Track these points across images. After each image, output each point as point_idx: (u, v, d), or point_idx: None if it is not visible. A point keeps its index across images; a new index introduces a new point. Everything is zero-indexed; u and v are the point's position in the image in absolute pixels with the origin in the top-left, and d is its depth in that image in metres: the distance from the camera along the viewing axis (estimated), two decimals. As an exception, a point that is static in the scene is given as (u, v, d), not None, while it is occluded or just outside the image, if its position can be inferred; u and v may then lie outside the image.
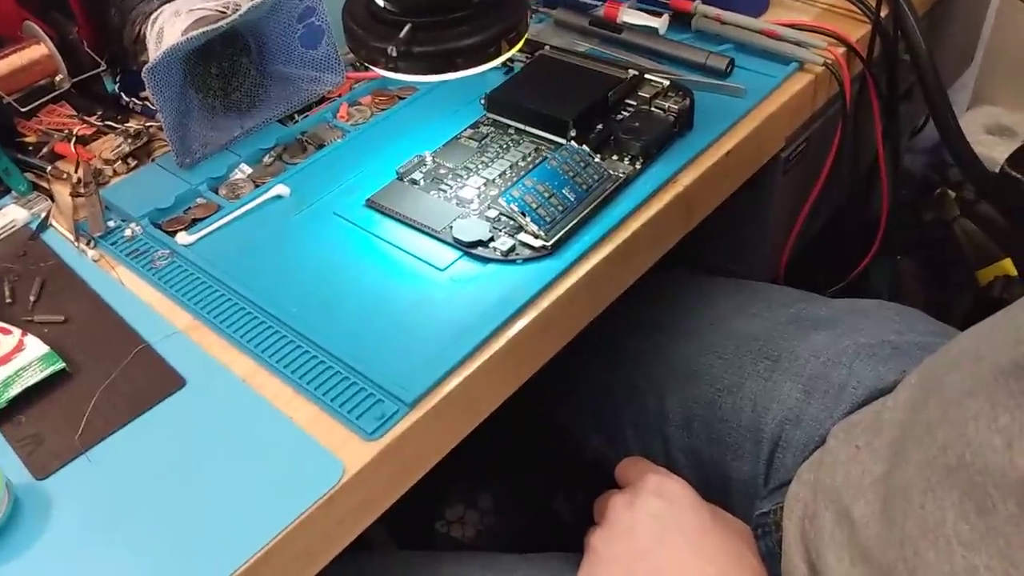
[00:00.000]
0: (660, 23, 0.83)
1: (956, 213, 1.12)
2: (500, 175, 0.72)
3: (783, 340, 0.75)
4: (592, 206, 0.68)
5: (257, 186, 0.76)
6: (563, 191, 0.68)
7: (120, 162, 0.80)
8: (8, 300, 0.68)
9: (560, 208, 0.67)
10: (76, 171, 0.77)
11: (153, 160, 0.80)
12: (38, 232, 0.75)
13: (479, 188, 0.71)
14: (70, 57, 0.82)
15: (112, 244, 0.72)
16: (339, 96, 0.85)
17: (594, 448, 0.85)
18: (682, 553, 0.63)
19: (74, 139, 0.81)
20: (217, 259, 0.69)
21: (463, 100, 0.81)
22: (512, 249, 0.66)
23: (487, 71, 0.67)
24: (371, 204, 0.72)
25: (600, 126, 0.74)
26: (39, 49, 0.81)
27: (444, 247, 0.67)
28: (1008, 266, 1.05)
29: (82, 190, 0.75)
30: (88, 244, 0.72)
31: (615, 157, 0.73)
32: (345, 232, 0.70)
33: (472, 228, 0.67)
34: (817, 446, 0.66)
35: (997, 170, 1.02)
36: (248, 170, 0.78)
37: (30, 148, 0.81)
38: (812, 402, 0.70)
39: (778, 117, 0.79)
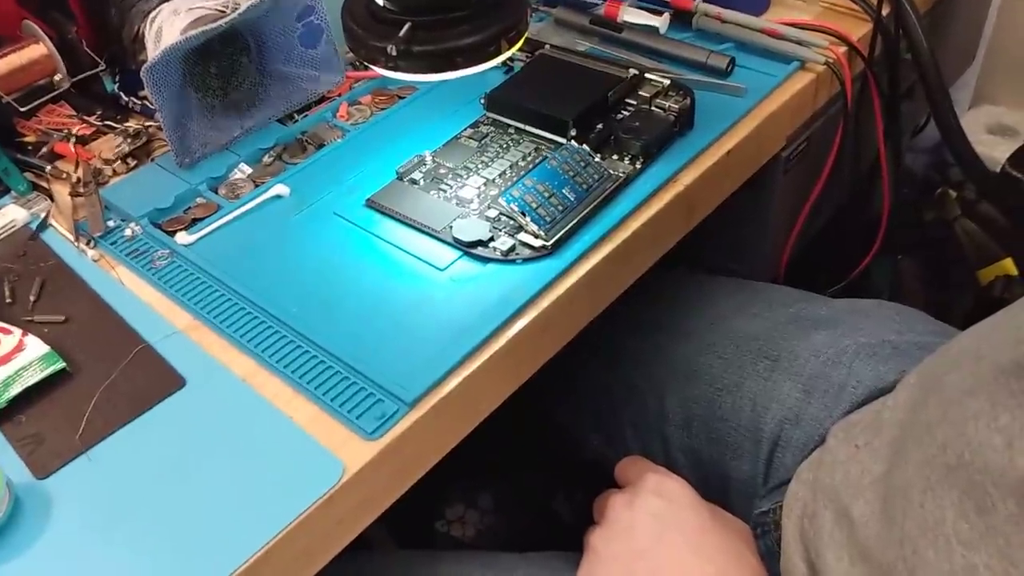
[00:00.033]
0: (661, 22, 0.83)
1: (957, 213, 1.12)
2: (500, 175, 0.72)
3: (783, 340, 0.75)
4: (592, 206, 0.68)
5: (257, 186, 0.76)
6: (563, 191, 0.68)
7: (120, 162, 0.80)
8: (8, 300, 0.68)
9: (560, 208, 0.67)
10: (76, 171, 0.77)
11: (153, 160, 0.80)
12: (38, 232, 0.75)
13: (479, 188, 0.71)
14: (69, 57, 0.82)
15: (112, 244, 0.72)
16: (339, 95, 0.85)
17: (594, 448, 0.85)
18: (681, 552, 0.64)
19: (73, 139, 0.81)
20: (217, 259, 0.69)
21: (463, 100, 0.81)
22: (512, 249, 0.66)
23: (487, 70, 0.67)
24: (371, 204, 0.72)
25: (600, 125, 0.74)
26: (38, 49, 0.81)
27: (444, 247, 0.67)
28: (1009, 266, 1.05)
29: (82, 190, 0.75)
30: (88, 244, 0.72)
31: (615, 156, 0.73)
32: (345, 232, 0.70)
33: (472, 228, 0.67)
34: (817, 445, 0.66)
35: (998, 170, 1.02)
36: (248, 170, 0.78)
37: (29, 148, 0.81)
38: (812, 401, 0.70)
39: (779, 116, 0.79)
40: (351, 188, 0.74)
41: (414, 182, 0.73)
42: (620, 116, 0.75)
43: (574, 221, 0.67)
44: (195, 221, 0.73)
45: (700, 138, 0.75)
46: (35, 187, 0.78)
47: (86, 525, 0.53)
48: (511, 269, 0.65)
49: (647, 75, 0.78)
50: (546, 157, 0.71)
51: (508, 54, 0.67)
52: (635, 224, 0.68)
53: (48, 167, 0.79)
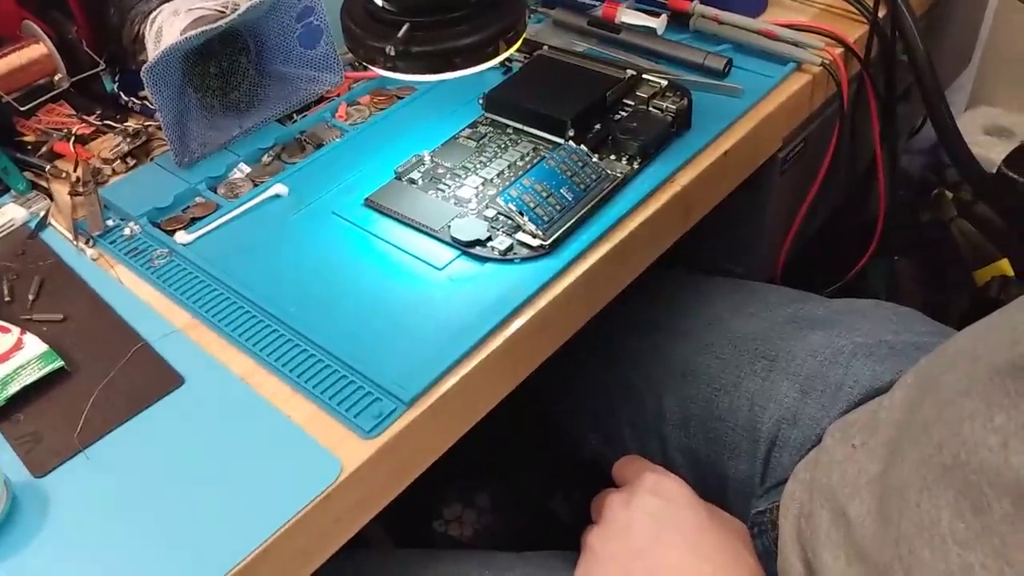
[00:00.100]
0: (658, 23, 0.83)
1: (953, 213, 1.12)
2: (498, 175, 0.72)
3: (780, 340, 0.75)
4: (590, 206, 0.68)
5: (256, 185, 0.76)
6: (561, 191, 0.68)
7: (119, 161, 0.80)
8: (7, 299, 0.68)
9: (558, 208, 0.67)
10: (75, 170, 0.78)
11: (152, 159, 0.80)
12: (37, 231, 0.75)
13: (477, 188, 0.71)
14: (69, 56, 0.83)
15: (111, 243, 0.72)
16: (338, 96, 0.85)
17: (592, 447, 0.85)
18: (679, 552, 0.64)
19: (73, 138, 0.81)
20: (216, 258, 0.69)
21: (461, 100, 0.81)
22: (510, 248, 0.66)
23: (485, 71, 0.67)
24: (369, 203, 0.72)
25: (598, 126, 0.74)
26: (38, 48, 0.81)
27: (442, 246, 0.67)
28: (1005, 266, 1.06)
29: (81, 189, 0.75)
30: (87, 243, 0.72)
31: (613, 157, 0.73)
32: (343, 231, 0.70)
33: (470, 227, 0.67)
34: (814, 445, 0.66)
35: (994, 171, 1.02)
36: (247, 169, 0.78)
37: (29, 147, 0.81)
38: (809, 401, 0.70)
39: (776, 117, 0.80)
40: (350, 188, 0.74)
41: (412, 182, 0.73)
42: (618, 116, 0.75)
43: (572, 221, 0.67)
44: (194, 220, 0.73)
45: (697, 139, 0.75)
46: (34, 186, 0.79)
47: (84, 523, 0.53)
48: (509, 269, 0.65)
49: (645, 76, 0.78)
50: (544, 157, 0.71)
51: (506, 55, 0.67)
52: (633, 224, 0.69)
53: (47, 166, 0.79)
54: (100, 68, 0.84)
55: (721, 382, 0.75)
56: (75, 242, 0.73)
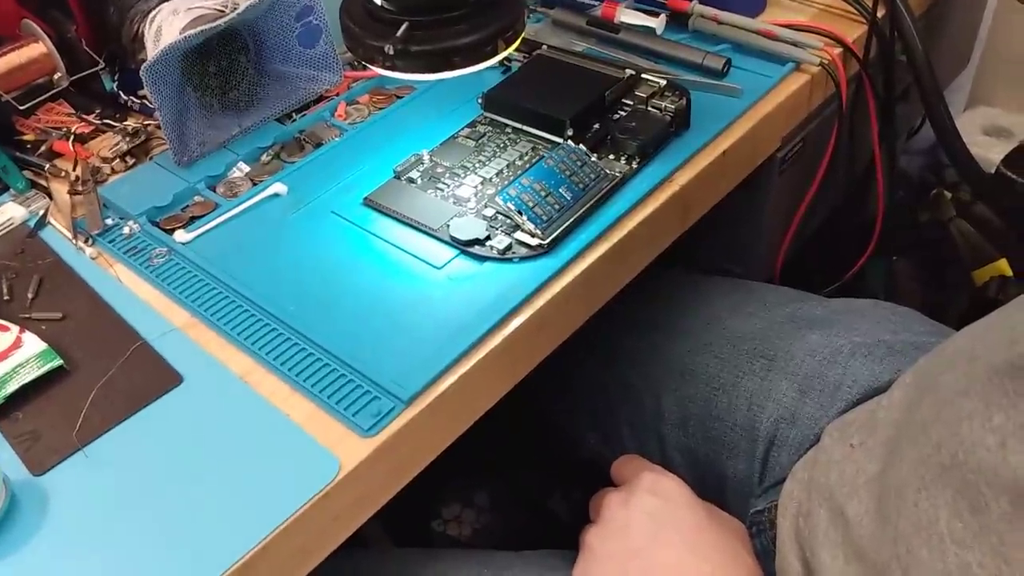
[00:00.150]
0: (657, 23, 0.83)
1: (952, 214, 1.12)
2: (497, 174, 0.72)
3: (779, 339, 0.75)
4: (588, 205, 0.68)
5: (255, 184, 0.76)
6: (560, 190, 0.68)
7: (118, 160, 0.80)
8: (6, 297, 0.68)
9: (557, 207, 0.67)
10: (74, 169, 0.78)
11: (151, 158, 0.80)
12: (36, 230, 0.75)
13: (476, 187, 0.71)
14: (68, 55, 0.83)
15: (110, 242, 0.72)
16: (337, 95, 0.85)
17: (590, 447, 0.85)
18: (677, 551, 0.64)
19: (72, 137, 0.81)
20: (215, 257, 0.69)
21: (460, 99, 0.81)
22: (509, 247, 0.66)
23: (484, 70, 0.67)
24: (368, 203, 0.72)
25: (597, 125, 0.74)
26: (37, 47, 0.81)
27: (441, 245, 0.67)
28: (1004, 266, 1.06)
29: (80, 188, 0.75)
30: (86, 242, 0.72)
31: (612, 156, 0.73)
32: (342, 230, 0.70)
33: (469, 227, 0.67)
34: (812, 444, 0.66)
35: (993, 171, 1.02)
36: (246, 168, 0.78)
37: (28, 146, 0.81)
38: (807, 401, 0.70)
39: (774, 117, 0.80)
40: (349, 187, 0.74)
41: (411, 181, 0.73)
42: (617, 116, 0.75)
43: (570, 220, 0.67)
44: (193, 219, 0.73)
45: (696, 138, 0.75)
46: (34, 185, 0.79)
47: (83, 521, 0.53)
48: (508, 268, 0.65)
49: (644, 76, 0.78)
50: (543, 156, 0.71)
51: (505, 54, 0.67)
52: (631, 223, 0.69)
53: (47, 165, 0.79)
54: (99, 67, 0.84)
55: (720, 381, 0.75)
56: (74, 241, 0.73)
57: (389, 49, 0.64)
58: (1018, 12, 1.21)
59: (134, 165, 0.80)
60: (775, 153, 0.85)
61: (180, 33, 0.74)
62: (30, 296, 0.68)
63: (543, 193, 0.67)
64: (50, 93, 0.83)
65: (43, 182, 0.78)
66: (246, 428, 0.57)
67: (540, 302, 0.63)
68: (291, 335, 0.62)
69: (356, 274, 0.66)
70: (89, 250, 0.72)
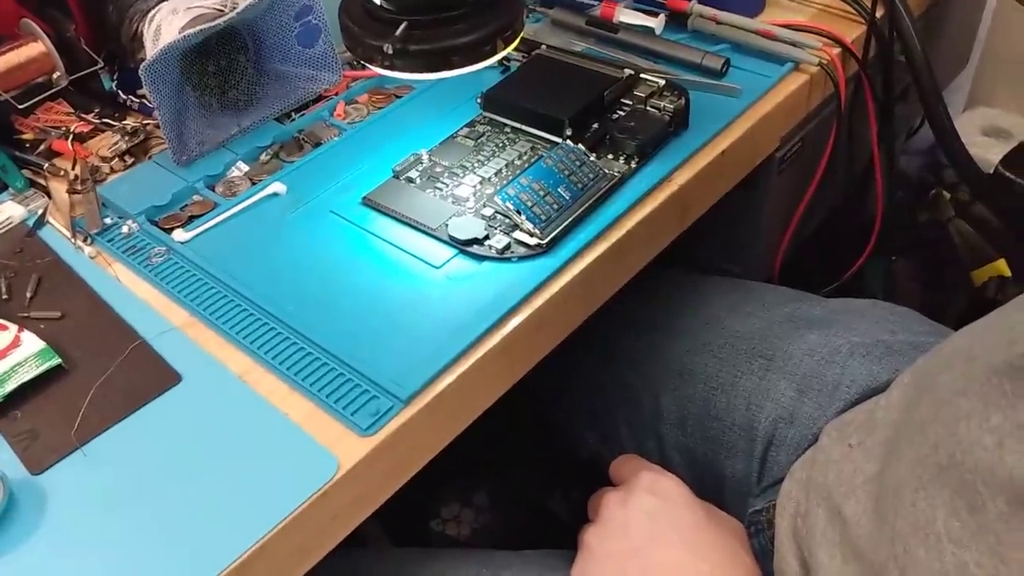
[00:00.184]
0: (656, 23, 0.83)
1: (951, 214, 1.12)
2: (496, 173, 0.72)
3: (777, 339, 0.75)
4: (587, 204, 0.68)
5: (254, 184, 0.76)
6: (558, 189, 0.68)
7: (117, 159, 0.80)
8: (5, 296, 0.68)
9: (555, 206, 0.67)
10: (73, 168, 0.78)
11: (150, 157, 0.80)
12: (35, 229, 0.75)
13: (475, 186, 0.71)
14: (68, 54, 0.83)
15: (109, 241, 0.72)
16: (336, 94, 0.85)
17: (589, 446, 0.85)
18: (676, 550, 0.64)
19: (71, 136, 0.81)
20: (213, 256, 0.69)
21: (459, 99, 0.81)
22: (507, 247, 0.66)
23: (484, 70, 0.67)
24: (367, 202, 0.72)
25: (596, 125, 0.74)
26: (37, 46, 0.81)
27: (440, 245, 0.67)
28: (1002, 267, 1.06)
29: (79, 187, 0.75)
30: (85, 241, 0.72)
31: (610, 156, 0.73)
32: (341, 230, 0.70)
33: (468, 226, 0.67)
34: (810, 444, 0.66)
35: (992, 171, 1.02)
36: (245, 168, 0.78)
37: (27, 145, 0.81)
38: (806, 401, 0.70)
39: (773, 117, 0.80)
40: (347, 186, 0.74)
41: (410, 180, 0.73)
42: (615, 116, 0.75)
43: (569, 220, 0.67)
44: (192, 218, 0.73)
45: (695, 138, 0.75)
46: (33, 184, 0.79)
47: (81, 520, 0.53)
48: (506, 267, 0.65)
49: (643, 75, 0.78)
50: (542, 156, 0.71)
51: (504, 53, 0.67)
52: (630, 223, 0.69)
53: (46, 164, 0.79)
54: (98, 66, 0.84)
55: (718, 381, 0.76)
56: (73, 240, 0.73)
57: (388, 48, 0.64)
58: (1017, 13, 1.21)
59: (133, 164, 0.80)
60: (774, 153, 0.85)
61: (179, 32, 0.74)
62: (29, 295, 0.68)
63: (542, 193, 0.67)
64: (49, 92, 0.83)
65: (42, 181, 0.78)
66: (244, 427, 0.57)
67: (539, 301, 0.63)
68: (290, 334, 0.62)
69: (355, 273, 0.66)
70: (88, 249, 0.72)
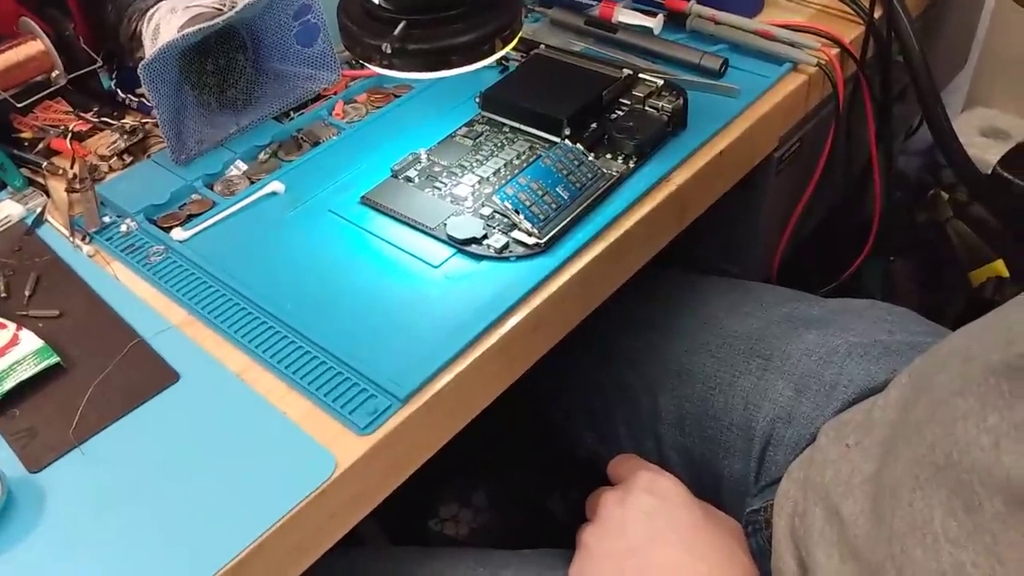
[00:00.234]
0: (655, 23, 0.83)
1: (949, 214, 1.13)
2: (494, 173, 0.72)
3: (775, 339, 0.75)
4: (585, 204, 0.68)
5: (252, 183, 0.76)
6: (557, 189, 0.68)
7: (116, 158, 0.80)
8: (3, 294, 0.68)
9: (554, 206, 0.67)
10: (72, 167, 0.78)
11: (149, 156, 0.80)
12: (33, 227, 0.75)
13: (473, 186, 0.71)
14: (66, 53, 0.83)
15: (107, 239, 0.72)
16: (335, 94, 0.85)
17: (587, 446, 0.85)
18: (674, 550, 0.64)
19: (70, 135, 0.81)
20: (212, 255, 0.69)
21: (458, 98, 0.81)
22: (506, 246, 0.66)
23: (482, 69, 0.67)
24: (366, 201, 0.72)
25: (594, 125, 0.74)
26: (35, 45, 0.81)
27: (438, 244, 0.68)
28: (1000, 267, 1.06)
29: (78, 186, 0.75)
30: (83, 239, 0.72)
31: (609, 156, 0.73)
32: (340, 229, 0.70)
33: (466, 225, 0.67)
34: (808, 444, 0.66)
35: (990, 172, 1.02)
36: (243, 167, 0.78)
37: (26, 144, 0.81)
38: (803, 400, 0.70)
39: (771, 117, 0.80)
40: (346, 185, 0.74)
41: (409, 180, 0.73)
42: (614, 116, 0.75)
43: (567, 219, 0.67)
44: (190, 217, 0.73)
45: (693, 138, 0.75)
46: (31, 183, 0.79)
47: (79, 519, 0.53)
48: (504, 267, 0.65)
49: (641, 75, 0.78)
50: (540, 156, 0.71)
51: (502, 53, 0.67)
52: (628, 223, 0.69)
53: (44, 163, 0.79)
54: (97, 65, 0.84)
55: (716, 381, 0.76)
56: (71, 239, 0.73)
57: (387, 48, 0.64)
58: (1015, 13, 1.21)
59: (132, 163, 0.80)
60: (772, 153, 0.85)
61: (178, 31, 0.74)
62: (27, 293, 0.68)
63: (540, 192, 0.68)
64: (48, 91, 0.83)
65: (41, 180, 0.78)
66: (243, 426, 0.57)
67: (537, 301, 0.63)
68: (288, 333, 0.62)
69: (353, 272, 0.66)
70: (86, 248, 0.72)
